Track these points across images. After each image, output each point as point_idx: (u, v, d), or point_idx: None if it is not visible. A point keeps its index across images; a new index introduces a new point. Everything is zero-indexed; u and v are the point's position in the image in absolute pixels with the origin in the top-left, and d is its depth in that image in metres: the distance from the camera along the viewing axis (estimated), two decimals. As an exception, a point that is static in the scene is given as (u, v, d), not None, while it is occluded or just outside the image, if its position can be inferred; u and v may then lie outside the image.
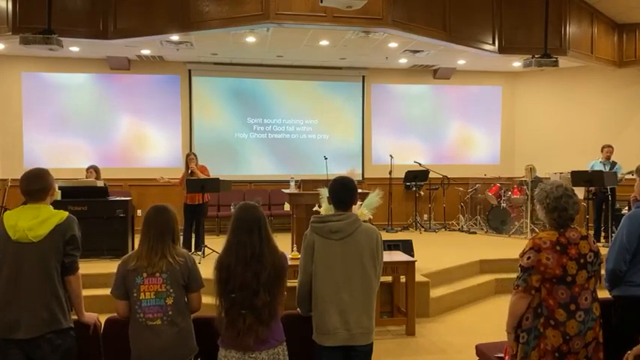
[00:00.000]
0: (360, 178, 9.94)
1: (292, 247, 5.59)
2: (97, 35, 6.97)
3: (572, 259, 2.53)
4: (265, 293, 2.51)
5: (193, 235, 7.22)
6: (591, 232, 7.90)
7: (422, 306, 5.44)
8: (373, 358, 2.82)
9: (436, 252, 7.22)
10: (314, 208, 5.23)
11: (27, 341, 2.56)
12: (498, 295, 6.39)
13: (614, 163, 8.09)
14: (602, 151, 8.23)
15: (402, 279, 5.28)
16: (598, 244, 2.67)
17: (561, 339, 2.50)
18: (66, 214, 2.72)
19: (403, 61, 9.45)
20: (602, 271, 2.69)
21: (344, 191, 2.84)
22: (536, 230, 8.30)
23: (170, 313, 2.63)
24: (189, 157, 7.40)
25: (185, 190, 7.17)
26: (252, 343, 2.50)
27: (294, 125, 10.06)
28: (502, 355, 2.85)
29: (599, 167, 8.07)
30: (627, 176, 7.58)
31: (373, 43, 8.12)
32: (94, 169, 7.43)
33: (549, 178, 8.65)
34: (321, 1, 5.35)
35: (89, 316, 2.82)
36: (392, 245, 5.81)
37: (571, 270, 2.52)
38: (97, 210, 6.57)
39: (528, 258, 2.56)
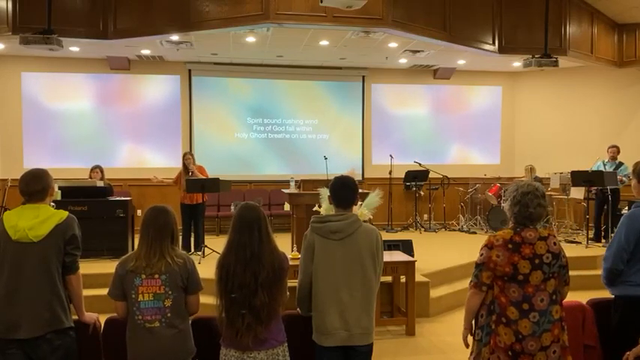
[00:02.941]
0: (360, 178, 9.93)
1: (292, 247, 5.59)
2: (97, 35, 6.97)
3: (525, 259, 2.50)
4: (264, 293, 2.51)
5: (192, 235, 7.20)
6: (591, 232, 7.90)
7: (422, 306, 5.43)
8: (373, 358, 2.82)
9: (436, 252, 7.22)
10: (314, 208, 5.24)
11: (27, 341, 2.55)
12: (498, 295, 6.38)
13: (620, 164, 8.05)
14: (607, 152, 8.20)
15: (402, 279, 5.27)
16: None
17: (513, 337, 2.48)
18: (66, 213, 2.72)
19: (403, 61, 9.45)
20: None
21: (345, 190, 2.84)
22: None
23: (168, 315, 2.61)
24: (186, 157, 7.30)
25: (182, 189, 7.14)
26: (250, 343, 2.50)
27: (294, 125, 10.06)
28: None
29: (603, 168, 8.04)
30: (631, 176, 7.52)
31: (373, 43, 8.11)
32: (99, 170, 7.41)
33: (549, 178, 8.66)
34: (321, 1, 5.35)
35: (89, 316, 2.82)
36: (392, 245, 5.81)
37: (523, 269, 2.50)
38: (97, 210, 6.57)
39: (481, 255, 2.59)
